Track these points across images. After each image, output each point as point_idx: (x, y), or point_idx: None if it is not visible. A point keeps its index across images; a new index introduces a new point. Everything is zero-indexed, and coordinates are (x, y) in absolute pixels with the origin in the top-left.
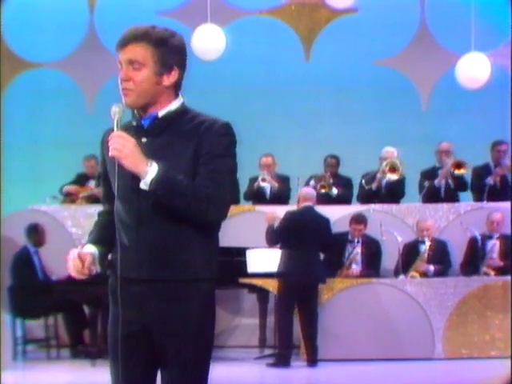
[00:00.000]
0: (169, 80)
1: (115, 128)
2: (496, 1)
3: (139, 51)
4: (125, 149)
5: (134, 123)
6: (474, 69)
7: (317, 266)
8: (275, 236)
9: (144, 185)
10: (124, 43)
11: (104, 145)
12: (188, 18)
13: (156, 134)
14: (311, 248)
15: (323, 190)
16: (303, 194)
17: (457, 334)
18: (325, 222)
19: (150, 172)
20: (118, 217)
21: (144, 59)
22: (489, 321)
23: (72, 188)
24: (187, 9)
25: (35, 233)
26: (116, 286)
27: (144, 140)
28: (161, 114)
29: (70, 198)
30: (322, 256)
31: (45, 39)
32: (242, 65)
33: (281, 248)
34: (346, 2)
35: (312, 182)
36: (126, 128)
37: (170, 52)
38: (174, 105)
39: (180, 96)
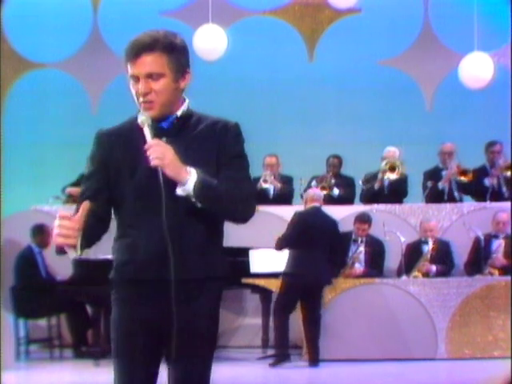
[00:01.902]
0: (184, 83)
1: (148, 136)
2: (499, 0)
3: (155, 62)
4: (166, 157)
5: (149, 124)
6: (477, 68)
7: (324, 268)
8: (286, 240)
9: (182, 191)
10: (136, 54)
11: (106, 145)
12: (190, 17)
13: (176, 133)
14: (319, 249)
15: (324, 192)
16: (311, 194)
17: (460, 334)
18: (333, 223)
19: (190, 178)
20: (133, 219)
21: (162, 68)
22: (492, 321)
23: (74, 190)
24: (190, 9)
25: (41, 233)
26: (125, 287)
27: (165, 139)
28: (179, 113)
29: (72, 198)
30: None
31: (48, 39)
32: (244, 65)
33: (289, 248)
34: (350, 2)
35: (314, 183)
36: (134, 131)
37: (181, 55)
38: (186, 105)
39: (186, 97)
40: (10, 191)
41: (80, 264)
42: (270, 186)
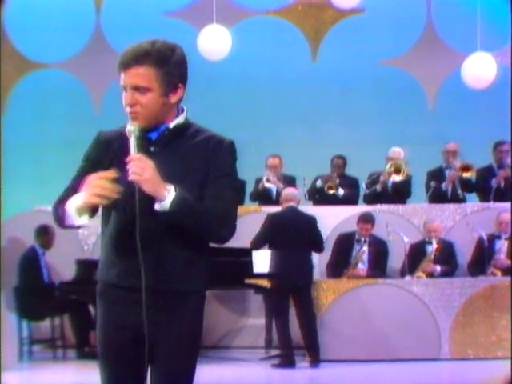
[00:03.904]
0: (175, 98)
1: (133, 149)
2: (502, 1)
3: (143, 75)
4: (145, 173)
5: (138, 135)
6: (480, 69)
7: (306, 267)
8: (257, 240)
9: (160, 207)
10: (125, 65)
11: (101, 147)
12: (194, 18)
13: (165, 144)
14: (298, 248)
15: (330, 191)
16: (285, 194)
17: (463, 334)
18: (310, 220)
19: (168, 196)
20: (115, 227)
21: (149, 83)
22: (495, 321)
23: None
24: (193, 9)
25: (45, 234)
26: (108, 293)
27: (152, 149)
28: (171, 125)
29: None
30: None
31: (51, 40)
32: (248, 65)
33: (269, 250)
34: (353, 2)
35: (319, 182)
36: (125, 140)
37: (174, 70)
38: (181, 118)
39: (184, 109)
40: (13, 191)
41: (83, 264)
42: (273, 185)
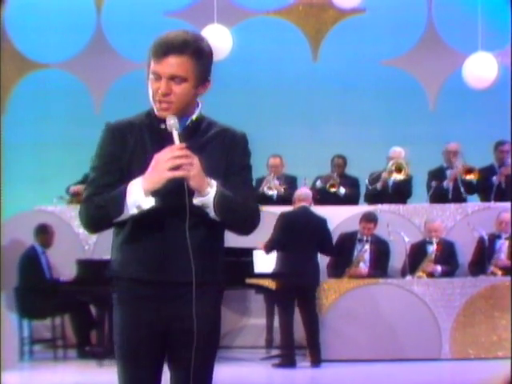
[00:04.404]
0: (203, 90)
1: (177, 141)
2: (502, 0)
3: (182, 65)
4: (193, 169)
5: (163, 126)
6: (481, 68)
7: (313, 267)
8: (274, 243)
9: (199, 202)
10: (163, 54)
11: (119, 139)
12: (195, 18)
13: (189, 137)
14: (307, 249)
15: (333, 189)
16: (298, 194)
17: (464, 334)
18: (321, 222)
19: (211, 192)
20: (141, 221)
21: (187, 73)
22: (496, 321)
23: (78, 188)
24: (194, 9)
25: (44, 233)
26: (131, 288)
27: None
28: (194, 117)
29: (76, 198)
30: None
31: (52, 40)
32: (248, 65)
33: (277, 250)
34: (354, 2)
35: (318, 183)
36: (149, 130)
37: (208, 63)
38: (199, 109)
39: (199, 102)
40: (13, 191)
41: (84, 264)
42: (274, 192)
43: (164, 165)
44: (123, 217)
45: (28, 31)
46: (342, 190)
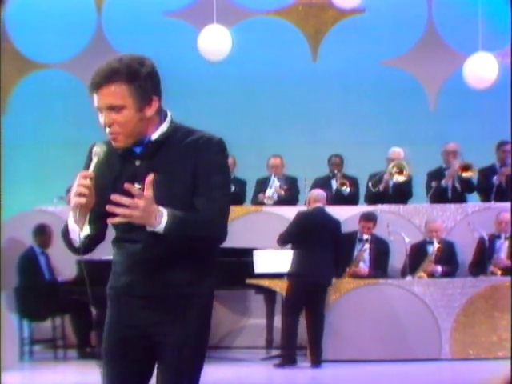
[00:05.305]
0: (151, 110)
1: (92, 169)
2: (503, 0)
3: (115, 93)
4: (136, 211)
5: (120, 151)
6: (481, 69)
7: (327, 268)
8: (288, 236)
9: (152, 230)
10: (96, 86)
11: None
12: (194, 18)
13: (150, 156)
14: (322, 249)
15: (344, 187)
16: (314, 195)
17: (464, 334)
18: (336, 223)
19: (162, 222)
20: (117, 235)
21: (122, 100)
22: (496, 321)
23: None
24: (194, 9)
25: (42, 234)
26: (116, 296)
27: (138, 163)
28: (154, 137)
29: None
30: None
31: (52, 40)
32: (248, 65)
33: (292, 249)
34: (354, 2)
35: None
36: (110, 155)
37: (145, 83)
38: (165, 125)
39: (168, 114)
40: (13, 191)
41: (84, 265)
42: (274, 193)
43: (72, 195)
44: (78, 244)
45: (28, 31)
46: (347, 190)
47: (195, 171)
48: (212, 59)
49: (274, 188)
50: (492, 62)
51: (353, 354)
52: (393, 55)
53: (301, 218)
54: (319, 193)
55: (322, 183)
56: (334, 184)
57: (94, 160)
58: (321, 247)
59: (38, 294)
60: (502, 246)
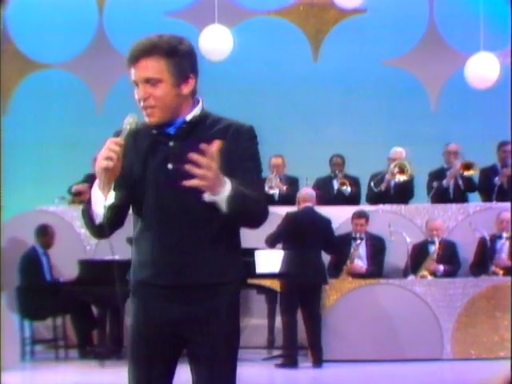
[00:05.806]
0: (187, 88)
1: (122, 138)
2: (504, 0)
3: (153, 66)
4: (208, 179)
5: (154, 131)
6: (482, 69)
7: (319, 267)
8: (275, 237)
9: (211, 199)
10: (134, 59)
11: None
12: (196, 18)
13: (184, 137)
14: (313, 249)
15: (344, 187)
16: (303, 194)
17: (465, 334)
18: (326, 222)
19: (225, 190)
20: (149, 226)
21: (160, 74)
22: (498, 321)
23: (82, 186)
24: (195, 9)
25: (44, 234)
26: (141, 290)
27: (171, 144)
28: (188, 118)
29: (78, 198)
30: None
31: (53, 40)
32: (249, 65)
33: (283, 249)
34: (355, 2)
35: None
36: (144, 135)
37: (183, 60)
38: (198, 109)
39: (200, 100)
40: (14, 191)
41: (85, 264)
42: (275, 190)
43: (99, 158)
44: (99, 219)
45: (30, 31)
46: (348, 189)
47: (228, 157)
48: (213, 59)
49: (275, 188)
50: (493, 62)
51: (354, 355)
52: (394, 55)
53: (289, 220)
54: (308, 192)
55: (324, 183)
56: (336, 184)
57: (126, 128)
58: (312, 247)
59: (39, 294)
60: (504, 246)
